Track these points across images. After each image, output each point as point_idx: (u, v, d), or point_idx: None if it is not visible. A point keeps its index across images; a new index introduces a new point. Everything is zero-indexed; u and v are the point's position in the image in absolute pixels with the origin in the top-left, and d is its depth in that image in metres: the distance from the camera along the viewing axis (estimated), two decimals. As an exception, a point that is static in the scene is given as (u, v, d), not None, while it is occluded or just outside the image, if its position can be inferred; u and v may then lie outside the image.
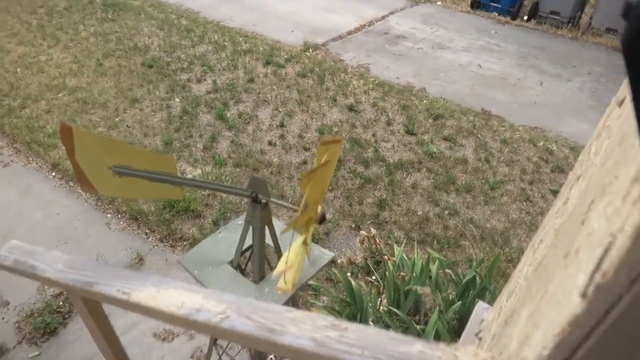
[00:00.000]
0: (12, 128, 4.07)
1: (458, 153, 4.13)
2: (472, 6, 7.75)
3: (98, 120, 4.26)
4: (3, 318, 2.69)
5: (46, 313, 2.69)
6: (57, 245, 3.10)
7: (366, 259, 2.68)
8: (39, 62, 5.08)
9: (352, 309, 2.45)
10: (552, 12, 7.06)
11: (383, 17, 7.18)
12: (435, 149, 4.14)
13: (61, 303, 2.77)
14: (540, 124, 4.69)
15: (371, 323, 2.42)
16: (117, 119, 4.28)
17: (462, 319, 2.30)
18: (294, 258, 1.50)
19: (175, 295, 1.32)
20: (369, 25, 6.86)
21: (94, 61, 5.17)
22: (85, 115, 4.31)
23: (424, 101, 4.90)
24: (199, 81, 4.96)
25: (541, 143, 4.32)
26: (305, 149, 4.07)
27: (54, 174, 3.71)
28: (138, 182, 1.68)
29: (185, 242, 3.18)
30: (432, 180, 3.80)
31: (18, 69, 4.93)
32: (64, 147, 1.62)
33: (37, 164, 3.80)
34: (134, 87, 4.77)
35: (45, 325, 2.64)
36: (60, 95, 4.57)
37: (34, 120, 4.18)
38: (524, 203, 3.63)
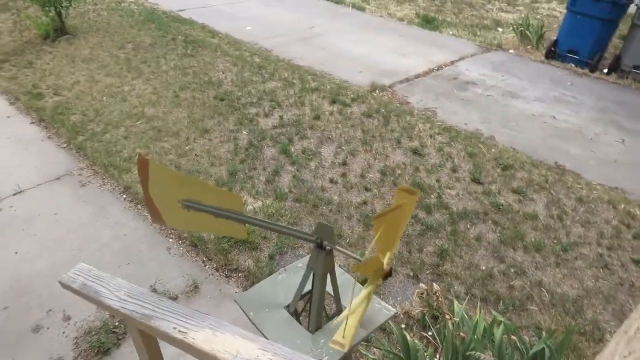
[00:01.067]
0: (93, 151, 4.38)
1: (528, 208, 3.90)
2: (547, 56, 7.53)
3: (170, 147, 4.48)
4: (64, 332, 2.79)
5: (102, 332, 2.76)
6: (120, 265, 3.22)
7: (424, 314, 2.54)
8: (123, 92, 5.49)
9: (406, 367, 2.31)
10: (636, 67, 6.69)
11: (452, 62, 7.14)
12: (502, 201, 3.94)
13: (117, 323, 2.84)
14: (621, 184, 4.35)
15: (426, 385, 2.26)
16: (187, 148, 4.49)
17: (528, 394, 2.09)
18: (354, 312, 1.43)
19: (230, 342, 1.28)
20: (438, 70, 6.84)
21: (171, 93, 5.50)
22: (159, 142, 4.56)
23: (493, 150, 4.72)
24: (267, 116, 5.12)
25: (622, 205, 3.98)
26: (367, 189, 4.02)
27: (125, 196, 3.90)
28: (205, 217, 1.71)
29: (240, 274, 3.18)
30: (498, 234, 3.59)
31: (104, 98, 5.35)
32: (137, 173, 1.69)
33: (110, 185, 4.03)
34: (205, 118, 5.00)
35: (100, 344, 2.70)
36: (138, 122, 4.88)
37: (112, 145, 4.48)
38: (601, 270, 3.32)
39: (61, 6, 6.87)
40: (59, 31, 6.99)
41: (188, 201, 1.67)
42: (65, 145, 4.57)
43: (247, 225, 1.70)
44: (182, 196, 1.65)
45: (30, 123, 4.96)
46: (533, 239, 3.56)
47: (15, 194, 3.88)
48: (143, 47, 6.78)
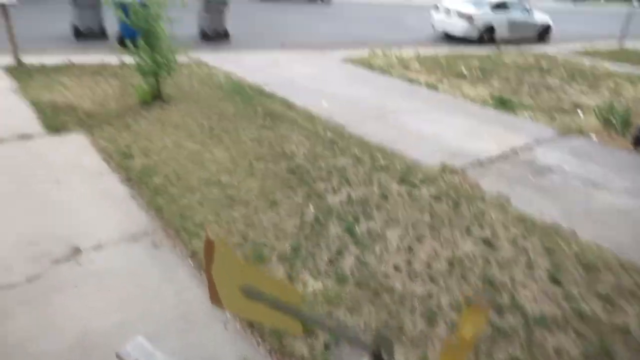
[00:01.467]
0: (170, 214, 4.63)
1: (617, 319, 3.48)
2: (636, 144, 7.07)
3: (239, 217, 4.62)
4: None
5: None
6: (179, 333, 3.25)
7: None
8: (203, 159, 5.86)
9: None
10: None
11: (528, 147, 6.91)
12: (586, 308, 3.56)
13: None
14: None
15: None
16: (254, 218, 4.60)
17: None
18: None
19: None
20: (513, 154, 6.63)
21: (247, 162, 5.78)
22: (230, 210, 4.73)
23: (573, 246, 4.36)
24: (335, 192, 5.17)
25: None
26: (432, 280, 3.83)
27: (191, 262, 4.03)
28: (262, 308, 1.69)
29: (293, 360, 3.08)
30: (581, 348, 3.20)
31: (187, 164, 5.74)
32: (204, 240, 1.74)
33: (180, 249, 4.19)
34: (275, 190, 5.16)
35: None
36: (214, 190, 5.13)
37: (187, 209, 4.72)
38: None
39: (160, 76, 7.69)
40: (155, 98, 7.78)
41: (248, 289, 1.67)
42: (146, 205, 4.88)
43: (303, 324, 1.66)
44: (242, 282, 1.66)
45: (120, 181, 5.40)
46: (624, 358, 3.13)
47: (95, 249, 4.15)
48: (226, 117, 7.29)
